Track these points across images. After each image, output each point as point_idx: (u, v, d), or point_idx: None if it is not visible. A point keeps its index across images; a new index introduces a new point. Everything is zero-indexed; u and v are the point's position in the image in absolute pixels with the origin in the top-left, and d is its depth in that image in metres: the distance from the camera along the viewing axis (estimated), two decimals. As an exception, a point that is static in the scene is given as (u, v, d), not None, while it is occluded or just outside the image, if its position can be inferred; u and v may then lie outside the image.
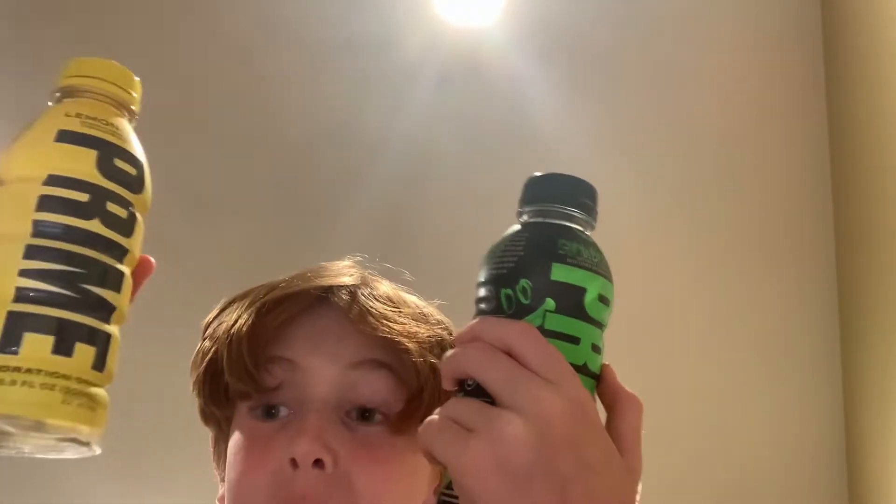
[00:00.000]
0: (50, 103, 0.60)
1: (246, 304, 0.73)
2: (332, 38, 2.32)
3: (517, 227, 0.57)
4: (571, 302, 0.53)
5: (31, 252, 0.51)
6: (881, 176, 2.08)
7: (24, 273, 0.50)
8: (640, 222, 2.32)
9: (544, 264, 0.53)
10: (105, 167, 0.55)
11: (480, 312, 0.54)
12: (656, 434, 2.51)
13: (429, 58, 2.31)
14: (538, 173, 0.59)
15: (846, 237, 2.27)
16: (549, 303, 0.52)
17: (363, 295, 0.73)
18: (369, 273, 0.78)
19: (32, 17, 2.29)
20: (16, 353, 0.49)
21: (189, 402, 0.78)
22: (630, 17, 2.38)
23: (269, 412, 0.69)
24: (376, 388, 0.68)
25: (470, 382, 0.50)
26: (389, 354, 0.69)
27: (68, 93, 0.60)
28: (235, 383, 0.69)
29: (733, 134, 2.37)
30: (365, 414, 0.68)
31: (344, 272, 0.76)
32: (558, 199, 0.57)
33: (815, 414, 2.28)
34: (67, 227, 0.52)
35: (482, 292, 0.54)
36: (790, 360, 2.29)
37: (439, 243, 2.19)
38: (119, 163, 0.57)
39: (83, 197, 0.53)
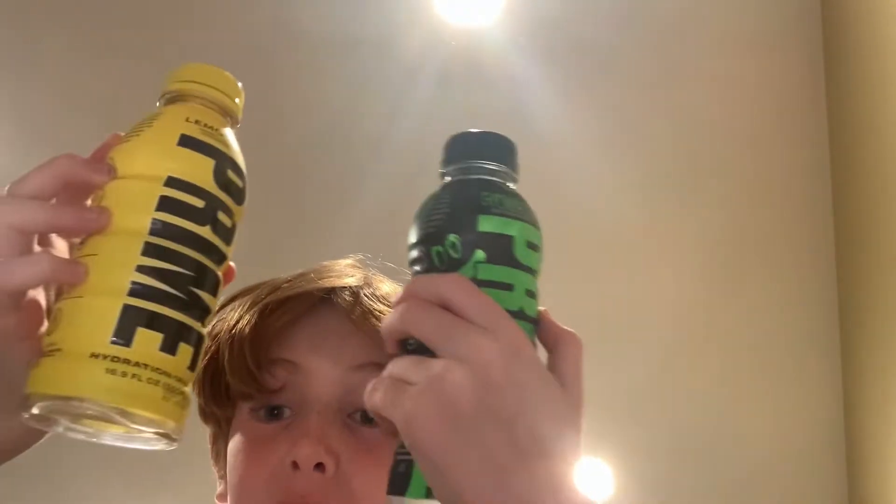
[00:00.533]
0: (159, 103, 0.63)
1: (248, 303, 0.73)
2: (332, 37, 2.32)
3: (439, 188, 0.59)
4: (501, 250, 0.54)
5: (149, 249, 0.53)
6: (881, 176, 2.08)
7: (140, 269, 0.52)
8: (640, 222, 2.32)
9: (470, 217, 0.54)
10: (220, 177, 0.57)
11: (415, 274, 0.55)
12: (657, 434, 2.51)
13: (429, 57, 2.31)
14: (453, 134, 0.61)
15: (846, 237, 2.27)
16: (479, 254, 0.53)
17: (366, 295, 0.73)
18: (372, 273, 0.78)
19: (33, 15, 2.29)
20: (128, 346, 0.51)
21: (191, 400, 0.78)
22: (630, 17, 2.38)
23: (272, 413, 0.69)
24: None
25: (411, 342, 0.51)
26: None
27: (181, 97, 0.62)
28: (237, 384, 0.69)
29: (733, 134, 2.37)
30: (367, 416, 0.68)
31: (346, 272, 0.76)
32: (477, 154, 0.60)
33: (815, 414, 2.28)
34: (184, 229, 0.54)
35: (414, 254, 0.56)
36: (790, 361, 2.29)
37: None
38: (231, 174, 0.58)
39: (199, 203, 0.55)
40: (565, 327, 0.57)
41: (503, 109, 2.34)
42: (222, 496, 0.73)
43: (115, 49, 2.31)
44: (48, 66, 2.30)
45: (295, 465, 0.64)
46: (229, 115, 0.63)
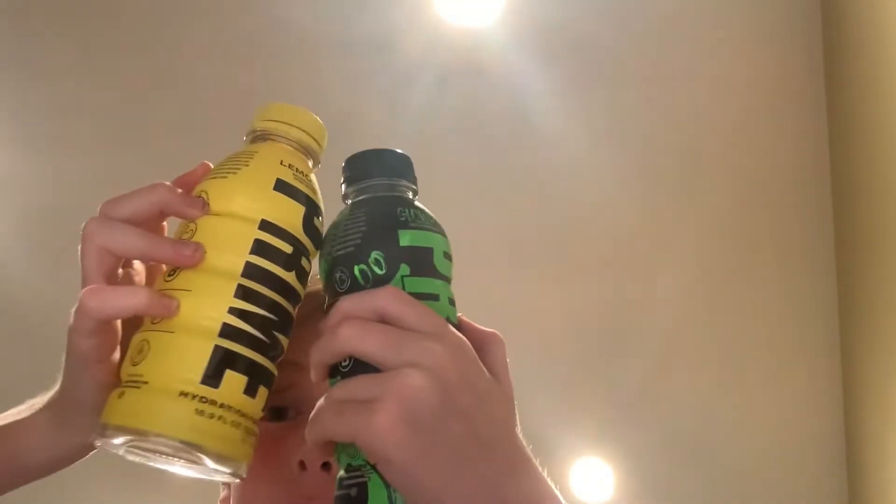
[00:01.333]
0: (247, 138, 0.64)
1: None
2: (332, 37, 2.32)
3: (349, 208, 0.59)
4: (423, 263, 0.55)
5: (241, 292, 0.53)
6: (881, 176, 2.08)
7: (232, 311, 0.53)
8: (639, 222, 2.32)
9: (391, 233, 0.55)
10: (307, 224, 0.58)
11: (335, 295, 0.55)
12: (656, 435, 2.51)
13: (428, 58, 2.31)
14: (354, 154, 0.63)
15: (846, 238, 2.27)
16: (404, 268, 0.54)
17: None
18: None
19: (32, 15, 2.29)
20: (216, 387, 0.51)
21: None
22: (630, 17, 2.38)
23: (277, 414, 0.69)
24: None
25: (344, 364, 0.52)
26: None
27: (271, 136, 0.62)
28: None
29: (732, 134, 2.37)
30: None
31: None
32: (382, 172, 0.61)
33: (814, 415, 2.28)
34: (273, 274, 0.55)
35: (336, 276, 0.56)
36: (790, 362, 2.29)
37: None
38: (316, 221, 0.59)
39: (288, 249, 0.56)
40: (485, 328, 0.58)
41: (502, 109, 2.34)
42: (225, 500, 0.73)
43: (115, 49, 2.31)
44: (48, 66, 2.30)
45: (302, 464, 0.64)
46: (315, 160, 0.64)
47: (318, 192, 0.61)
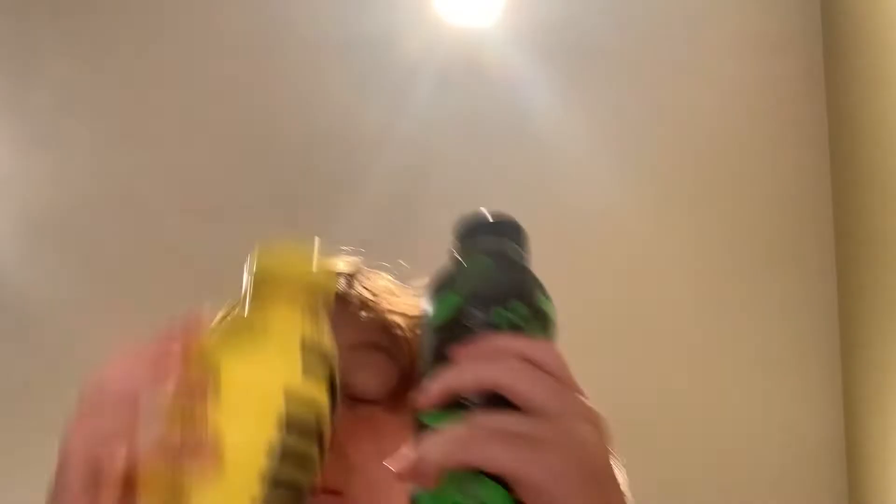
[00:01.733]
0: (252, 280, 0.61)
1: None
2: (332, 37, 2.32)
3: (494, 256, 0.59)
4: (549, 331, 0.56)
5: (268, 469, 0.52)
6: (881, 177, 2.08)
7: (260, 482, 0.52)
8: (640, 223, 2.32)
9: (534, 292, 0.56)
10: (331, 394, 0.57)
11: (465, 331, 0.53)
12: (658, 436, 2.51)
13: (429, 58, 2.31)
14: (493, 211, 0.64)
15: (846, 239, 2.27)
16: (539, 327, 0.55)
17: (359, 281, 0.74)
18: (362, 265, 0.80)
19: (32, 15, 2.29)
20: None
21: None
22: (630, 18, 2.38)
23: None
24: (374, 369, 0.69)
25: (471, 398, 0.50)
26: (384, 337, 0.71)
27: (289, 292, 0.59)
28: None
29: (733, 135, 2.37)
30: (358, 395, 0.69)
31: (338, 262, 0.77)
32: (520, 241, 0.63)
33: (815, 416, 2.28)
34: (299, 451, 0.54)
35: (472, 311, 0.54)
36: (790, 363, 2.29)
37: (440, 242, 2.18)
38: (336, 387, 0.58)
39: (312, 422, 0.55)
40: None
41: (503, 110, 2.34)
42: None
43: (115, 49, 2.31)
44: (49, 65, 2.30)
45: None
46: (328, 311, 0.62)
47: (336, 355, 0.60)
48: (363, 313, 0.71)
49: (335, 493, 0.64)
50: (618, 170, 2.32)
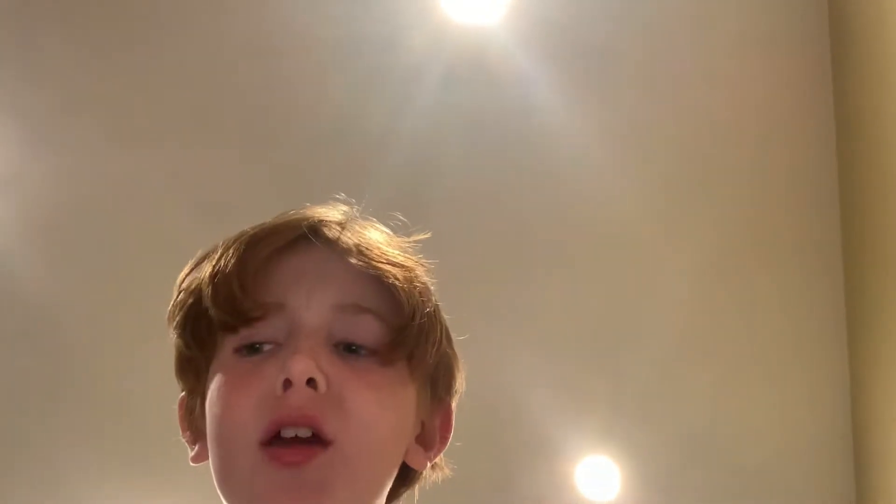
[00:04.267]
0: None
1: (230, 242, 0.73)
2: (336, 36, 2.31)
3: None
4: None
5: None
6: (888, 175, 2.07)
7: None
8: (646, 221, 2.31)
9: None
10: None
11: None
12: (664, 433, 2.50)
13: (434, 56, 2.31)
14: None
15: (853, 236, 2.26)
16: None
17: (352, 229, 0.73)
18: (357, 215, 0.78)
19: (36, 16, 2.29)
20: None
21: None
22: (636, 16, 2.37)
23: (255, 349, 0.68)
24: (363, 329, 0.69)
25: None
26: (375, 295, 0.70)
27: None
28: (220, 315, 0.68)
29: (739, 134, 2.36)
30: (352, 348, 0.68)
31: (331, 209, 0.76)
32: None
33: (822, 412, 2.27)
34: None
35: None
36: (797, 359, 2.29)
37: (444, 240, 2.18)
38: None
39: None
40: None
41: (508, 108, 2.33)
42: (199, 456, 0.72)
43: (117, 49, 2.31)
44: (49, 66, 2.31)
45: (287, 382, 0.63)
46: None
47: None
48: (355, 261, 0.69)
49: (329, 442, 0.64)
50: (623, 168, 2.31)
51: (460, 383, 0.76)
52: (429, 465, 0.74)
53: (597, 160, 2.30)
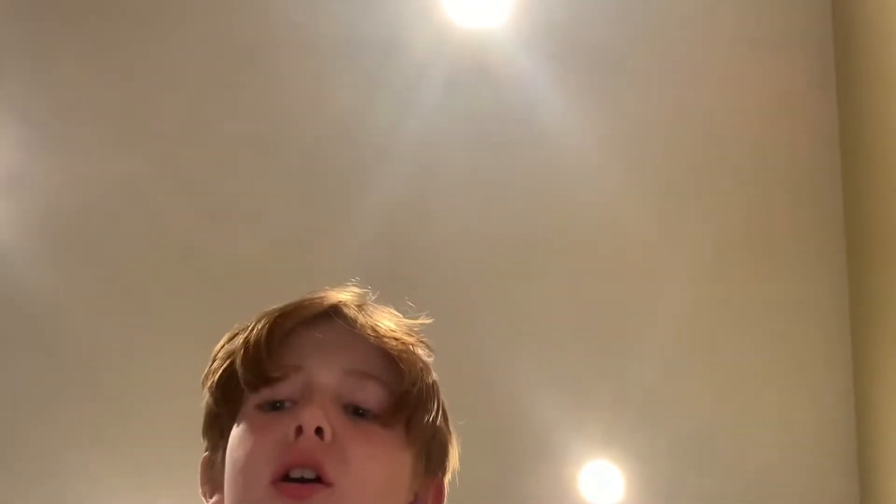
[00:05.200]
0: None
1: (259, 318, 0.83)
2: (338, 39, 2.31)
3: None
4: None
5: None
6: (891, 175, 2.06)
7: None
8: (648, 223, 2.31)
9: None
10: None
11: None
12: (667, 436, 2.49)
13: (436, 59, 2.31)
14: None
15: (857, 238, 2.26)
16: None
17: (367, 311, 0.83)
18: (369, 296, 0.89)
19: (41, 19, 2.29)
20: None
21: (198, 403, 0.81)
22: (639, 18, 2.37)
23: (274, 406, 0.78)
24: (368, 393, 0.79)
25: None
26: (381, 366, 0.80)
27: None
28: (247, 374, 0.79)
29: (742, 135, 2.36)
30: (359, 411, 0.78)
31: (349, 293, 0.86)
32: None
33: (825, 416, 2.26)
34: None
35: None
36: (801, 363, 2.28)
37: (447, 242, 2.18)
38: None
39: None
40: None
41: (510, 111, 2.33)
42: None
43: (120, 52, 2.31)
44: (52, 68, 2.31)
45: (299, 430, 0.73)
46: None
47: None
48: (366, 335, 0.80)
49: (330, 484, 0.73)
50: (626, 169, 2.31)
51: (454, 461, 0.86)
52: None
53: (599, 161, 2.29)
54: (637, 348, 2.30)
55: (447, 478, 0.86)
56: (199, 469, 0.85)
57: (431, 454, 0.83)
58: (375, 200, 2.22)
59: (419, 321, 0.87)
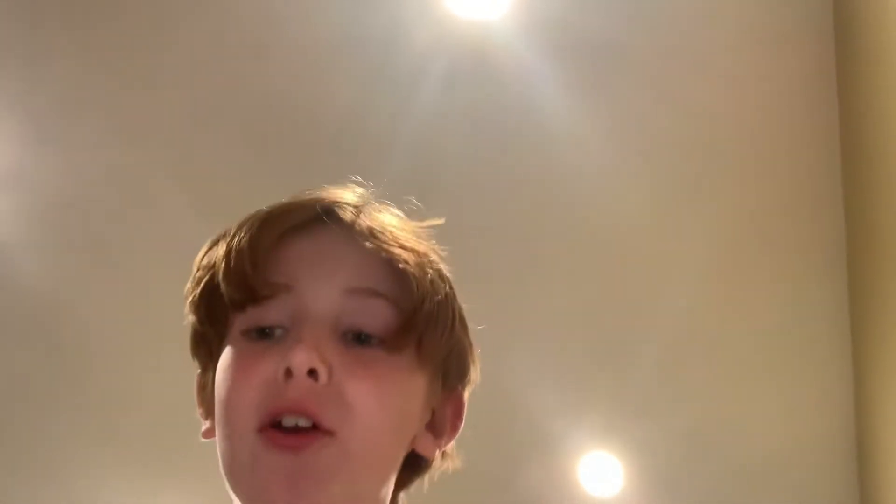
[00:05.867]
0: None
1: (243, 223, 0.73)
2: (338, 33, 2.31)
3: None
4: None
5: None
6: (892, 172, 2.06)
7: None
8: (649, 219, 2.31)
9: None
10: None
11: None
12: (667, 431, 2.50)
13: (437, 52, 2.31)
14: None
15: (857, 236, 2.26)
16: None
17: (367, 212, 0.73)
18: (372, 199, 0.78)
19: (39, 16, 2.29)
20: None
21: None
22: (640, 12, 2.36)
23: (263, 333, 0.68)
24: (373, 314, 0.68)
25: None
26: (387, 279, 0.69)
27: None
28: (231, 291, 0.68)
29: (743, 132, 2.36)
30: (360, 336, 0.68)
31: (347, 191, 0.76)
32: None
33: (825, 412, 2.27)
34: None
35: None
36: (801, 359, 2.29)
37: (448, 238, 2.18)
38: None
39: None
40: None
41: (511, 105, 2.33)
42: (209, 432, 0.72)
43: (119, 47, 2.31)
44: (51, 64, 2.31)
45: (288, 372, 0.63)
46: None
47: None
48: (368, 244, 0.69)
49: (330, 432, 0.64)
50: (626, 164, 2.31)
51: (474, 373, 0.76)
52: (439, 453, 0.73)
53: (600, 156, 2.29)
54: (637, 342, 2.31)
55: (467, 391, 0.76)
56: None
57: (449, 371, 0.73)
58: (377, 193, 2.22)
59: (429, 223, 0.76)
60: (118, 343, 2.31)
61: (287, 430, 0.63)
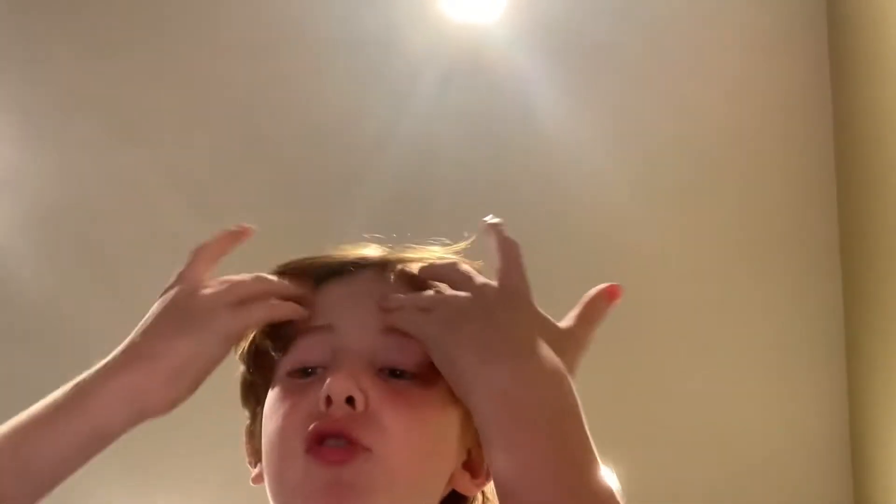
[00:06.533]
0: None
1: (279, 274, 0.80)
2: (334, 35, 2.31)
3: None
4: None
5: None
6: (886, 175, 2.07)
7: None
8: (643, 221, 2.31)
9: None
10: None
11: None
12: (661, 433, 2.51)
13: (432, 55, 2.31)
14: None
15: (851, 238, 2.27)
16: None
17: (395, 262, 0.78)
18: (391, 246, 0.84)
19: (36, 14, 2.29)
20: None
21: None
22: (635, 14, 2.37)
23: (306, 372, 0.73)
24: (407, 352, 0.72)
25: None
26: None
27: None
28: (274, 338, 0.76)
29: (738, 132, 2.36)
30: (396, 372, 0.72)
31: (370, 247, 0.82)
32: None
33: (820, 413, 2.27)
34: None
35: None
36: (795, 360, 2.29)
37: (444, 238, 2.18)
38: None
39: None
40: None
41: (507, 107, 2.33)
42: (259, 477, 0.76)
43: (116, 48, 2.31)
44: (48, 64, 2.31)
45: (328, 400, 0.68)
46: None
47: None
48: (398, 281, 0.76)
49: (367, 449, 0.67)
50: (623, 168, 2.32)
51: None
52: (478, 493, 0.77)
53: (595, 158, 2.30)
54: (631, 344, 2.31)
55: None
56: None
57: None
58: (372, 197, 2.23)
59: (455, 246, 0.83)
60: (116, 344, 2.30)
61: (331, 446, 0.68)
